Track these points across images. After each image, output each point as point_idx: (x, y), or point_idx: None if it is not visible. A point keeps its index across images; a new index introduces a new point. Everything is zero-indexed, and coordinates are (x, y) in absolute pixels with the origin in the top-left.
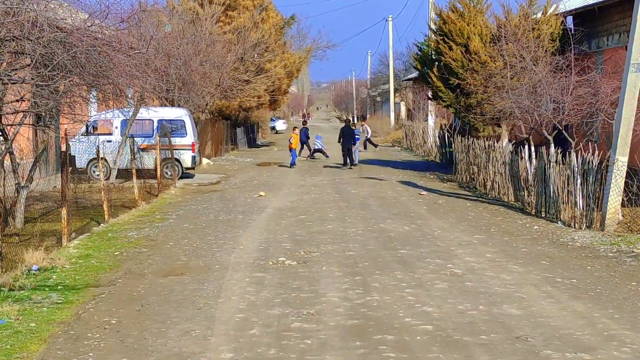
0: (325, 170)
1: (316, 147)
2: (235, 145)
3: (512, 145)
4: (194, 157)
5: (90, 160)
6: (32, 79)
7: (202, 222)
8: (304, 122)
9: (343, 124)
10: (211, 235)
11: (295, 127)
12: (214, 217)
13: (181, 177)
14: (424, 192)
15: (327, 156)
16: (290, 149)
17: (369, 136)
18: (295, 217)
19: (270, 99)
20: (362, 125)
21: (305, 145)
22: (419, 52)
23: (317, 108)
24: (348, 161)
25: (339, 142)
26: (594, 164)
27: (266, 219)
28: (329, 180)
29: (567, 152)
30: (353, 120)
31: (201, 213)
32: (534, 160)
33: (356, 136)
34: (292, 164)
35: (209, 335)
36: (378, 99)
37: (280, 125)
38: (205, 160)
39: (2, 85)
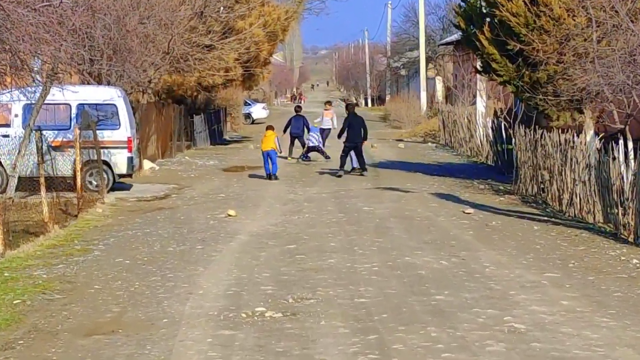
0: (325, 177)
1: (311, 144)
2: (192, 141)
3: (601, 140)
4: (130, 160)
5: None
6: None
7: (144, 255)
8: (298, 109)
9: (348, 111)
10: (156, 275)
11: (270, 127)
12: (160, 247)
13: (113, 189)
14: (470, 210)
15: (327, 157)
16: (263, 153)
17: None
18: (280, 248)
19: (244, 72)
20: (327, 110)
21: (297, 141)
22: (462, 4)
23: (312, 86)
24: (354, 164)
25: (339, 137)
26: None
27: (238, 250)
28: (330, 193)
29: None
30: (366, 102)
31: (142, 242)
32: (632, 163)
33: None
34: (270, 174)
35: None
36: (403, 72)
37: (258, 111)
38: (148, 164)
39: None
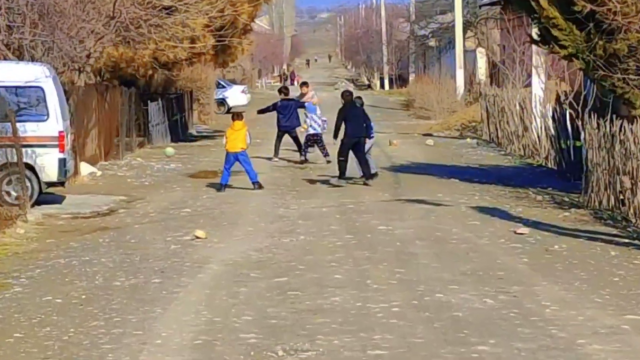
0: (326, 185)
1: (312, 131)
2: (147, 136)
3: None
4: (63, 162)
5: None
6: None
7: (81, 292)
8: (284, 90)
9: (344, 100)
10: (98, 318)
11: (238, 115)
12: (103, 281)
13: (39, 202)
14: (524, 230)
15: (326, 155)
16: (229, 155)
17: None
18: (266, 281)
19: (217, 44)
20: (304, 93)
21: (289, 136)
22: None
23: (308, 62)
24: (361, 170)
25: (334, 136)
26: None
27: (209, 284)
28: (334, 207)
29: None
30: (382, 83)
31: (78, 274)
32: None
33: (370, 123)
34: (223, 184)
35: None
36: (432, 42)
37: (235, 96)
38: (86, 168)
39: None
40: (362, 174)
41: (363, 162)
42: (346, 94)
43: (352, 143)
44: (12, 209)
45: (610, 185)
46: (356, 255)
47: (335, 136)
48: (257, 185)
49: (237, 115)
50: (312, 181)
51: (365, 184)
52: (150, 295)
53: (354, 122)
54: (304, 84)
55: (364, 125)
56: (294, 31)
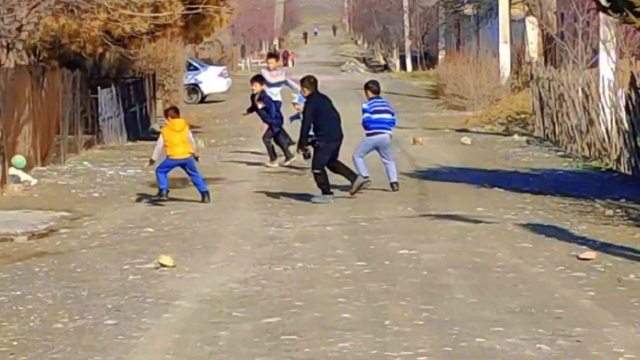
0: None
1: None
2: (97, 133)
3: None
4: None
5: None
6: None
7: (11, 337)
8: (257, 81)
9: (305, 88)
10: None
11: (175, 111)
12: (40, 322)
13: None
14: (591, 254)
15: (307, 155)
16: (169, 161)
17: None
18: (253, 323)
19: (187, 12)
20: (271, 68)
21: (272, 134)
22: None
23: (305, 37)
24: (360, 175)
25: (302, 144)
26: None
27: (178, 327)
28: (341, 225)
29: None
30: (404, 63)
31: (7, 313)
32: None
33: (390, 116)
34: (162, 190)
35: None
36: (468, 10)
37: (212, 80)
38: (17, 175)
39: None
40: (393, 182)
41: (346, 171)
42: (307, 82)
43: (333, 148)
44: None
45: None
46: (370, 289)
47: (303, 144)
48: (207, 196)
49: (174, 111)
50: (314, 186)
51: (353, 194)
52: (101, 341)
53: (327, 118)
54: (273, 55)
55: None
56: None
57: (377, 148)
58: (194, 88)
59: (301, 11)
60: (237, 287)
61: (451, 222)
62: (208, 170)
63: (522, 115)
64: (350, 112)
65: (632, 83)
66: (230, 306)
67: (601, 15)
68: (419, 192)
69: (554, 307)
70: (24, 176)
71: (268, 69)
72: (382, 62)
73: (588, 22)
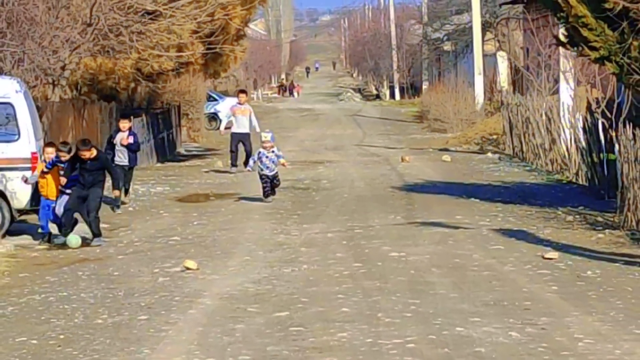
0: (331, 209)
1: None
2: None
3: None
4: (36, 187)
5: None
6: None
7: (59, 332)
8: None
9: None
10: None
11: (50, 144)
12: (84, 318)
13: (10, 232)
14: (554, 254)
15: (277, 184)
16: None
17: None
18: (265, 317)
19: (207, 51)
20: (241, 103)
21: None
22: None
23: (307, 71)
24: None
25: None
26: None
27: (201, 321)
28: (340, 232)
29: None
30: (393, 92)
31: (55, 311)
32: None
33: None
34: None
35: None
36: (447, 46)
37: (228, 109)
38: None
39: None
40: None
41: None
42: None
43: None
44: None
45: None
46: (366, 286)
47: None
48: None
49: (53, 147)
50: (318, 202)
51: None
52: (136, 334)
53: None
54: (242, 91)
55: None
56: (293, 36)
57: None
58: (213, 116)
59: (305, 49)
60: (251, 286)
61: (434, 228)
62: (226, 187)
63: (495, 136)
64: (347, 134)
65: (588, 108)
66: (246, 303)
67: (561, 49)
68: (406, 203)
69: (523, 300)
70: None
71: (239, 102)
72: (374, 92)
73: (550, 56)
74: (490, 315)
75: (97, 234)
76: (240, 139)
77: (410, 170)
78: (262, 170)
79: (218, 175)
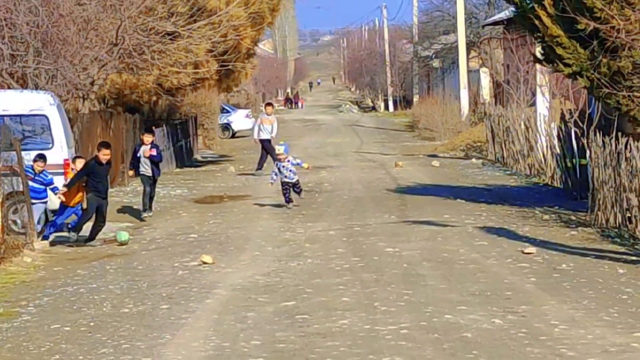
0: (333, 208)
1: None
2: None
3: None
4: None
5: None
6: None
7: (89, 320)
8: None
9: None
10: (107, 346)
11: (79, 158)
12: (111, 308)
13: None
14: (532, 249)
15: (298, 191)
16: (63, 207)
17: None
18: (274, 306)
19: (220, 68)
20: (267, 114)
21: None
22: None
23: (310, 85)
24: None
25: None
26: None
27: (217, 309)
28: (340, 230)
29: None
30: (387, 104)
31: (86, 301)
32: None
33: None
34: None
35: None
36: (435, 63)
37: (240, 120)
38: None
39: None
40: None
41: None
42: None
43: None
44: (19, 238)
45: (616, 203)
46: (364, 278)
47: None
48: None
49: (75, 159)
50: (319, 201)
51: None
52: (158, 321)
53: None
54: (269, 104)
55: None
56: (297, 54)
57: None
58: (226, 126)
59: (308, 66)
60: (261, 278)
61: (425, 226)
62: (238, 190)
63: (478, 144)
64: (346, 142)
65: (562, 118)
66: (257, 293)
67: (537, 65)
68: (400, 203)
69: (505, 290)
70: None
71: (267, 112)
72: (371, 104)
73: (527, 71)
74: (476, 304)
75: (91, 237)
76: (265, 143)
77: (403, 175)
78: (283, 178)
79: (231, 179)
